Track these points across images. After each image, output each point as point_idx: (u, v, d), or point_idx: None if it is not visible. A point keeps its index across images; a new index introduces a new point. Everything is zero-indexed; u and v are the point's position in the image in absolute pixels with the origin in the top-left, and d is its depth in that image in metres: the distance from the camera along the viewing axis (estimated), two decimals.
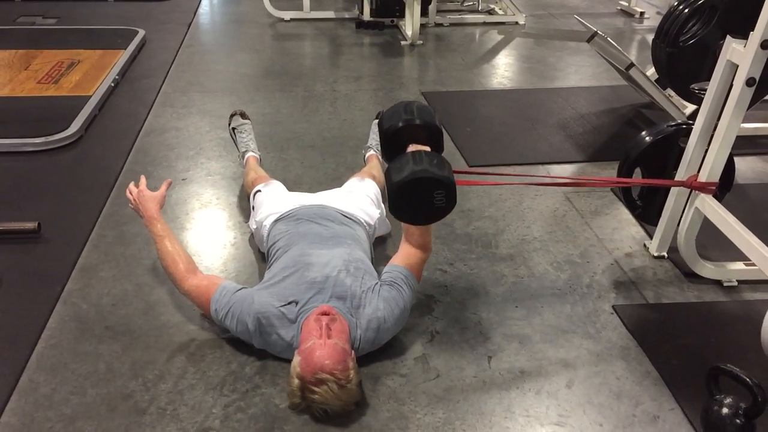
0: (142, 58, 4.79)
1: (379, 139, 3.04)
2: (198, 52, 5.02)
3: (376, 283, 2.09)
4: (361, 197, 2.58)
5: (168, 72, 4.54)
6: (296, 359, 1.85)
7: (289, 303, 2.00)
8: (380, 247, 2.59)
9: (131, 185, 2.35)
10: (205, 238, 2.72)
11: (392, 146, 2.10)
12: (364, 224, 2.44)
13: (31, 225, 2.63)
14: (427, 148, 2.04)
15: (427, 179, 1.89)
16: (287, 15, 5.85)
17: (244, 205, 2.87)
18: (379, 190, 2.67)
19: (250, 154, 3.01)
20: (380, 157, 2.97)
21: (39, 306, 2.28)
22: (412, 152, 1.98)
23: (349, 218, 2.41)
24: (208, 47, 5.27)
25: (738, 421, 1.76)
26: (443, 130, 2.14)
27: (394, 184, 1.93)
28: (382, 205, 2.61)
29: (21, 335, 2.15)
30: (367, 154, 3.04)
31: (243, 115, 3.13)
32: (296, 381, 1.82)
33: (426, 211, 1.97)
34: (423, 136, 2.08)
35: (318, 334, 1.85)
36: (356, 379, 1.85)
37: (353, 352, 1.91)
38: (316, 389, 1.78)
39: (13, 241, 2.61)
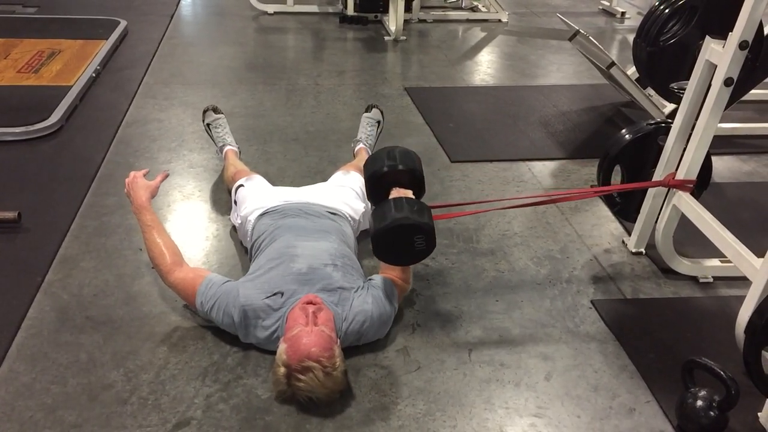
0: (123, 48, 4.74)
1: (367, 133, 3.06)
2: (180, 44, 4.99)
3: (367, 280, 2.14)
4: (345, 191, 2.58)
5: (150, 63, 4.50)
6: (282, 347, 1.85)
7: (275, 294, 2.00)
8: (365, 241, 2.60)
9: (132, 172, 2.34)
10: (187, 230, 2.71)
11: (377, 190, 2.19)
12: (349, 218, 2.45)
13: (11, 215, 2.60)
14: (410, 192, 2.14)
15: (408, 226, 1.99)
16: (270, 8, 5.83)
17: (227, 197, 2.86)
18: (364, 183, 2.66)
19: (228, 148, 3.00)
20: (369, 151, 2.97)
21: (19, 296, 2.27)
22: (394, 199, 2.07)
23: (334, 213, 2.42)
24: (191, 39, 5.24)
25: (712, 413, 1.80)
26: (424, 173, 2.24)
27: (377, 230, 2.03)
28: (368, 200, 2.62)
29: (1, 324, 2.13)
30: (357, 147, 3.03)
31: (216, 110, 3.10)
32: (282, 369, 1.82)
33: (408, 254, 2.08)
34: (406, 180, 2.17)
35: (304, 322, 1.87)
36: (342, 366, 1.86)
37: (339, 340, 1.92)
38: (302, 377, 1.79)
39: None
